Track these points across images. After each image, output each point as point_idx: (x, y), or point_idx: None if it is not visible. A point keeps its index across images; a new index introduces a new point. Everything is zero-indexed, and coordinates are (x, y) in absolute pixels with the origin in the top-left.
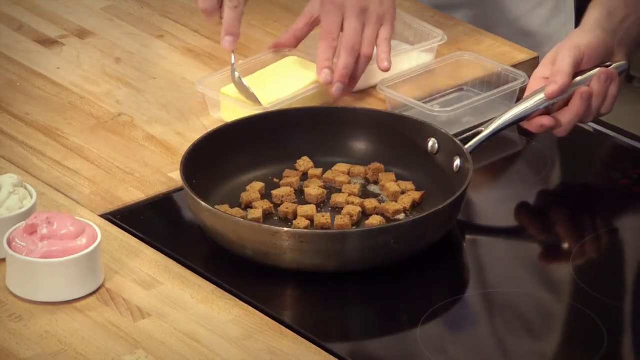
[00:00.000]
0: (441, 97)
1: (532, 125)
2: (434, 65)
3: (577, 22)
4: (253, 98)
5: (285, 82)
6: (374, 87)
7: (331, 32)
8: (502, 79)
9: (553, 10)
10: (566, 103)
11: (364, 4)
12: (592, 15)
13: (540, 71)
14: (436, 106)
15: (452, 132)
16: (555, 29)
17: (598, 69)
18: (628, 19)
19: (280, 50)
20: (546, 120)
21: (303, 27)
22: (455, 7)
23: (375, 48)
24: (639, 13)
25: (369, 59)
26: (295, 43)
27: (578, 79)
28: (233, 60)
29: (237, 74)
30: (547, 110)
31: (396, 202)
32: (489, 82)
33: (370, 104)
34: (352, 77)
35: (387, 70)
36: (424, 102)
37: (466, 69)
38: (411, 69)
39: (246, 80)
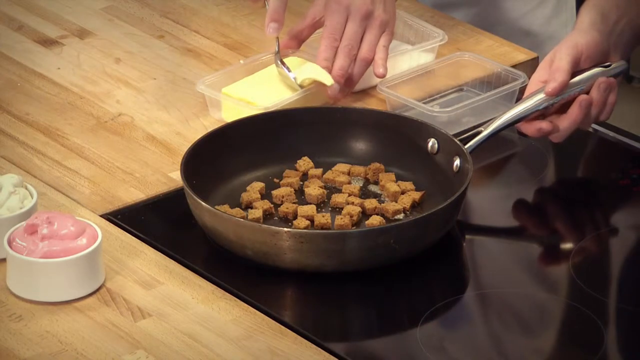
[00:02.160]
0: (441, 97)
1: (530, 129)
2: (434, 66)
3: None
4: (294, 84)
5: (285, 82)
6: (374, 87)
7: (334, 32)
8: (502, 79)
9: (554, 10)
10: (563, 107)
11: (369, 8)
12: (587, 17)
13: (538, 74)
14: (436, 106)
15: (452, 132)
16: (556, 29)
17: (596, 69)
18: (621, 21)
19: (283, 51)
20: (545, 125)
21: (305, 29)
22: (455, 6)
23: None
24: (630, 15)
25: (367, 63)
26: (298, 45)
27: (577, 78)
28: (277, 47)
29: (279, 61)
30: (544, 113)
31: (396, 202)
32: (489, 83)
33: (370, 104)
34: (350, 79)
35: (382, 76)
36: (424, 103)
37: (466, 69)
38: (411, 69)
39: (256, 77)
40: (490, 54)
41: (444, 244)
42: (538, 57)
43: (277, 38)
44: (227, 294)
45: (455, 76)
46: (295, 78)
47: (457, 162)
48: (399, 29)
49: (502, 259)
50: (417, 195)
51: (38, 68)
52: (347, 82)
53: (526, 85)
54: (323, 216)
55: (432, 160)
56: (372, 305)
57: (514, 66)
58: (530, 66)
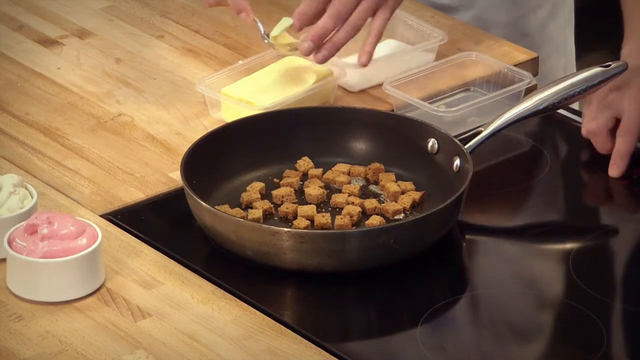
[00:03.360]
0: (448, 97)
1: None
2: (441, 65)
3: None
4: (299, 79)
5: (285, 82)
6: (374, 87)
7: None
8: (509, 80)
9: (551, 13)
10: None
11: None
12: None
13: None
14: (442, 106)
15: (457, 132)
16: (553, 32)
17: (596, 69)
18: None
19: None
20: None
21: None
22: (453, 8)
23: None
24: None
25: (355, 28)
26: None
27: (576, 78)
28: (260, 25)
29: (265, 35)
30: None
31: (396, 202)
32: (496, 83)
33: (370, 104)
34: (332, 43)
35: (364, 65)
36: (430, 102)
37: (473, 69)
38: (418, 69)
39: (255, 77)
40: (491, 54)
41: (444, 244)
42: (538, 57)
43: (255, 21)
44: (227, 294)
45: (463, 76)
46: (273, 38)
47: (457, 162)
48: (399, 28)
49: (502, 259)
50: (417, 195)
51: (38, 68)
52: (330, 45)
53: (532, 85)
54: (323, 216)
55: (432, 160)
56: (372, 305)
57: (514, 66)
58: (530, 66)
